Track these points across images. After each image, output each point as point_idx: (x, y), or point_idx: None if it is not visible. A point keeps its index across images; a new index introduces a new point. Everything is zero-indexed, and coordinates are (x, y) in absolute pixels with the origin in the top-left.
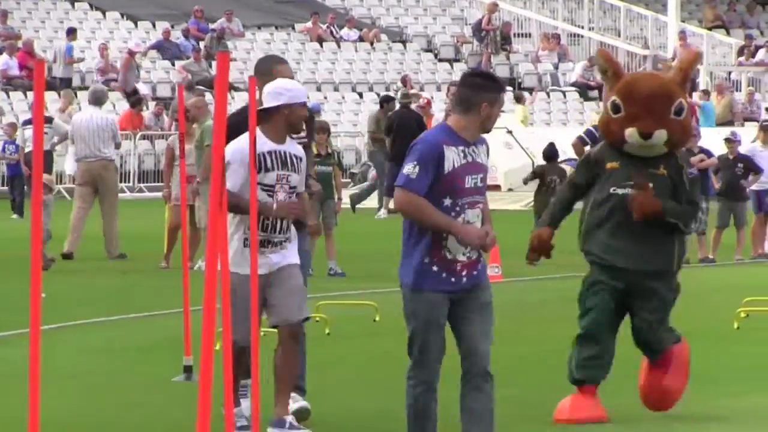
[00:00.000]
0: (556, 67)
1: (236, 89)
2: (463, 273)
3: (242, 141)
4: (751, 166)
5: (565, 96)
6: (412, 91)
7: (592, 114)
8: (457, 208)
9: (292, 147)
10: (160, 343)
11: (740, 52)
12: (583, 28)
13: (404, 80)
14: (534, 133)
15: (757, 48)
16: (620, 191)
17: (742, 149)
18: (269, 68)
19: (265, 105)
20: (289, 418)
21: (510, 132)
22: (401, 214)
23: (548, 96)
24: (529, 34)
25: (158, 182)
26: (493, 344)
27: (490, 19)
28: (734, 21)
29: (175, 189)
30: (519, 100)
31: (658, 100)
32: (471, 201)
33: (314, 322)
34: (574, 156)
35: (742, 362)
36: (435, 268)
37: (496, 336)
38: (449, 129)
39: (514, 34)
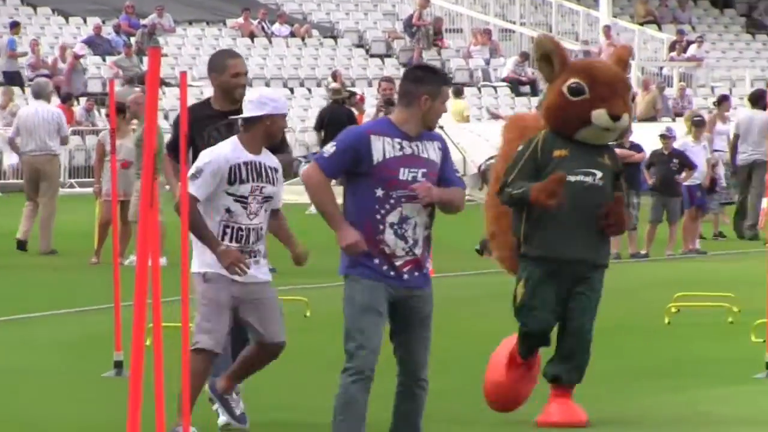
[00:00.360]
0: (488, 63)
1: (167, 85)
2: (404, 269)
3: (220, 150)
4: (686, 162)
5: (496, 91)
6: (352, 88)
7: (523, 109)
8: (392, 201)
9: (268, 158)
10: (90, 339)
11: (672, 48)
12: (514, 23)
13: (335, 76)
14: (465, 129)
15: (689, 43)
16: (572, 178)
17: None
18: (223, 63)
19: (247, 114)
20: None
21: (441, 128)
22: (305, 186)
23: (479, 91)
24: (461, 30)
25: (89, 178)
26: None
27: (421, 15)
28: (666, 16)
29: (105, 184)
30: (458, 94)
31: (621, 85)
32: (408, 195)
33: None
34: None
35: (675, 357)
36: (376, 260)
37: (445, 330)
38: (388, 122)
39: (446, 30)
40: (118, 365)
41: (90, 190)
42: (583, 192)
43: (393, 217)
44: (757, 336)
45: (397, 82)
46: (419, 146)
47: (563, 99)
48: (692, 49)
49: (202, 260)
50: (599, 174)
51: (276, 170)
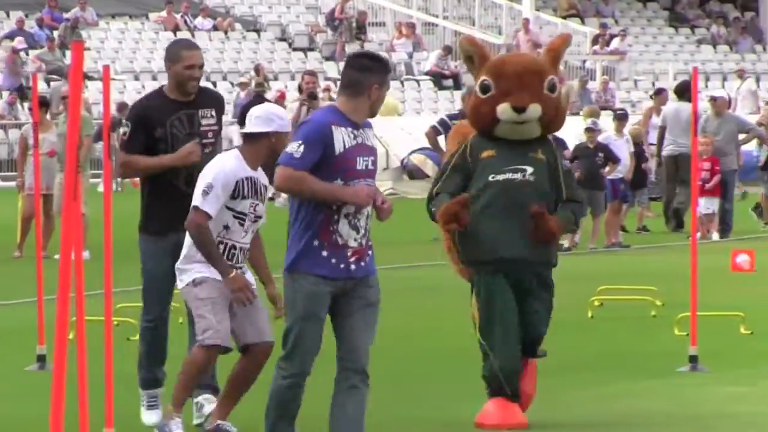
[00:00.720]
0: (411, 56)
1: (90, 78)
2: (353, 260)
3: (225, 163)
4: (610, 156)
5: (419, 85)
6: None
7: (446, 103)
8: None
9: (262, 175)
10: (13, 332)
11: (595, 41)
12: (437, 17)
13: (257, 69)
14: (389, 122)
15: (612, 37)
16: (500, 177)
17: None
18: (178, 54)
19: (253, 129)
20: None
21: None
22: (281, 191)
23: (403, 85)
24: (384, 23)
25: (12, 172)
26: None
27: (343, 8)
28: (589, 10)
29: (28, 178)
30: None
31: (529, 76)
32: (363, 184)
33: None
34: (428, 145)
35: (598, 350)
36: (324, 253)
37: None
38: (337, 110)
39: (369, 23)
40: (41, 359)
41: (13, 184)
42: (513, 189)
43: (349, 208)
44: (680, 329)
45: (320, 76)
46: (364, 134)
47: (476, 98)
48: (615, 43)
49: (187, 274)
50: (530, 170)
51: (266, 187)
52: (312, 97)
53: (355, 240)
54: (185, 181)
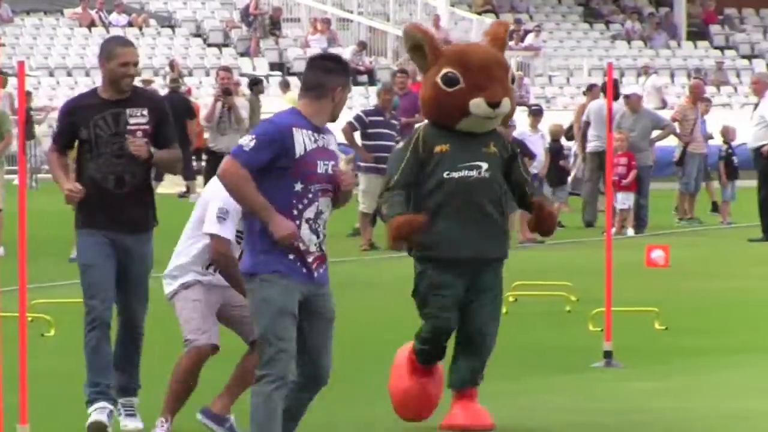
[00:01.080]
0: (326, 52)
1: (4, 74)
2: (314, 266)
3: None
4: (526, 152)
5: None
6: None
7: (360, 99)
8: (310, 195)
9: None
10: None
11: (509, 37)
12: (352, 12)
13: (172, 65)
14: None
15: (526, 32)
16: (455, 174)
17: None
18: (113, 51)
19: None
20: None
21: None
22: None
23: None
24: (299, 19)
25: None
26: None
27: (258, 4)
28: (504, 5)
29: None
30: (287, 86)
31: (497, 68)
32: (323, 188)
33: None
34: (344, 141)
35: (513, 346)
36: (291, 256)
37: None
38: (299, 113)
39: (284, 19)
40: None
41: None
42: (469, 187)
43: (310, 212)
44: (595, 325)
45: (235, 72)
46: (325, 138)
47: (439, 90)
48: (530, 39)
49: (178, 280)
50: (485, 166)
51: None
52: (227, 93)
53: (315, 245)
54: (115, 183)
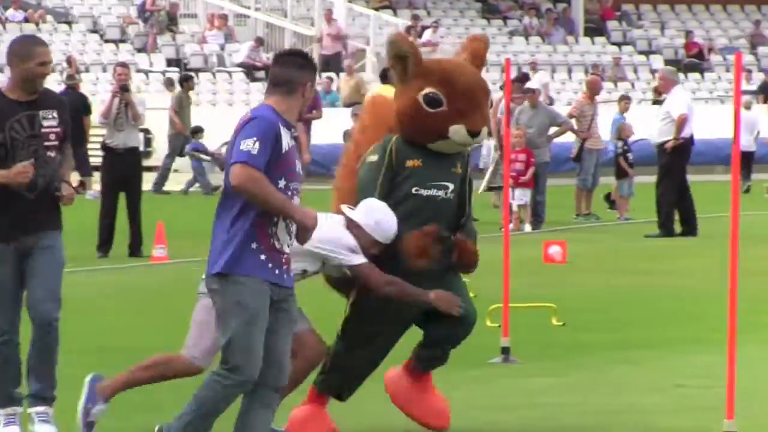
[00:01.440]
0: (223, 48)
1: None
2: (285, 267)
3: None
4: None
5: (231, 77)
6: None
7: (258, 95)
8: (289, 192)
9: None
10: None
11: (407, 33)
12: (249, 8)
13: (69, 61)
14: (200, 114)
15: (424, 28)
16: (424, 192)
17: None
18: (30, 50)
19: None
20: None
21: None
22: (239, 192)
23: (214, 77)
24: (196, 15)
25: None
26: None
27: (154, 0)
28: (401, 1)
29: None
30: (182, 83)
31: (481, 95)
32: (297, 187)
33: None
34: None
35: (409, 342)
36: (263, 257)
37: (161, 315)
38: (275, 110)
39: (181, 15)
40: None
41: None
42: (434, 207)
43: None
44: (492, 321)
45: (132, 68)
46: (294, 137)
47: (419, 109)
48: (427, 34)
49: None
50: (451, 187)
51: None
52: (124, 89)
53: (287, 245)
54: (27, 187)
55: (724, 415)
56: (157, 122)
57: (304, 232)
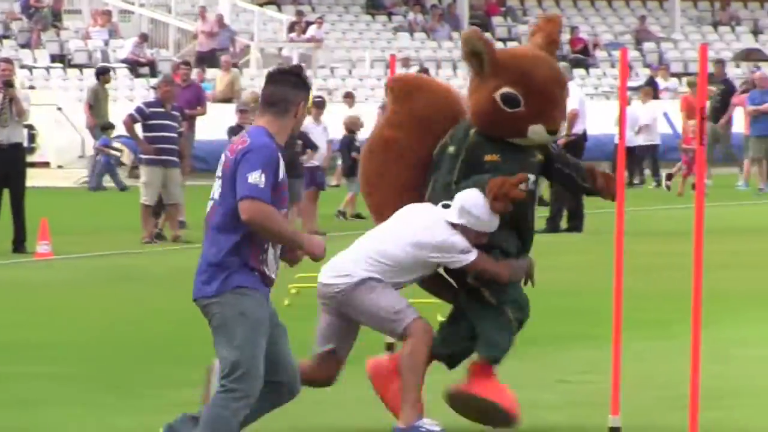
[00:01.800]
0: (107, 44)
1: None
2: (271, 292)
3: None
4: (308, 143)
5: (115, 73)
6: None
7: (142, 90)
8: None
9: None
10: None
11: (291, 29)
12: (133, 4)
13: None
14: (79, 111)
15: (308, 24)
16: None
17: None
18: None
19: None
20: None
21: (60, 109)
22: (251, 226)
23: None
24: (80, 11)
25: None
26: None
27: None
28: None
29: None
30: (99, 76)
31: (558, 90)
32: (284, 212)
33: None
34: (125, 133)
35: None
36: (256, 274)
37: (44, 311)
38: (269, 132)
39: (65, 11)
40: None
41: None
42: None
43: None
44: None
45: (16, 63)
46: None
47: (496, 108)
48: (312, 30)
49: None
50: (532, 177)
51: None
52: (8, 84)
53: (275, 273)
54: None
55: (609, 410)
56: (42, 118)
57: (299, 258)
